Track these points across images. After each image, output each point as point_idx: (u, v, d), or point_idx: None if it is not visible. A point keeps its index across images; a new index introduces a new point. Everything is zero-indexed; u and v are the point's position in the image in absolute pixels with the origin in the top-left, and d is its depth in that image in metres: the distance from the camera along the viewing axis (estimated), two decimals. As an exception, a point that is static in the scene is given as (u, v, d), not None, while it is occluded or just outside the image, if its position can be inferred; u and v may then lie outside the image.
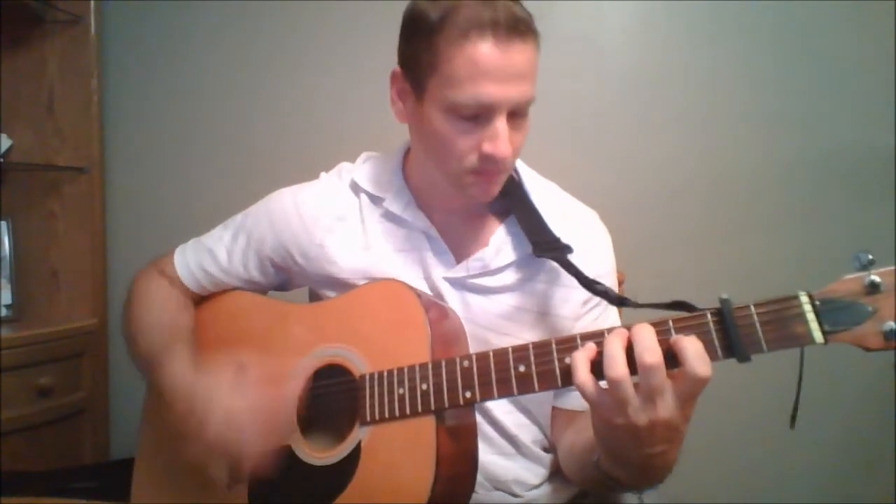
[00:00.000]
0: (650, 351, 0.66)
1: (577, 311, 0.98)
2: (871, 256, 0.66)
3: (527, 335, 0.96)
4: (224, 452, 0.84)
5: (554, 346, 0.75)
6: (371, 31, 1.90)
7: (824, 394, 1.64)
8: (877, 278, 0.65)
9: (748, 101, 1.79)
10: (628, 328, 0.70)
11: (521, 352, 0.77)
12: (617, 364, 0.67)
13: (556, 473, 1.03)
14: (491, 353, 0.79)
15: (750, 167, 1.79)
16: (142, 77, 2.03)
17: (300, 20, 1.96)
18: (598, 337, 0.73)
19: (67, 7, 1.89)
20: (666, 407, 0.68)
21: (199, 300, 1.09)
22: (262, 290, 1.09)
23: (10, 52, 1.92)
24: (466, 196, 0.92)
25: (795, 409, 0.70)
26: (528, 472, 0.99)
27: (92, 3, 1.91)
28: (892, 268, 0.65)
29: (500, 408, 0.96)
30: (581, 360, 0.70)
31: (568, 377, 0.73)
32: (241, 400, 0.84)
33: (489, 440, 0.96)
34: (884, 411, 1.72)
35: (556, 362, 0.75)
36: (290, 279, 1.08)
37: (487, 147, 0.85)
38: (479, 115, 0.84)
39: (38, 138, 1.93)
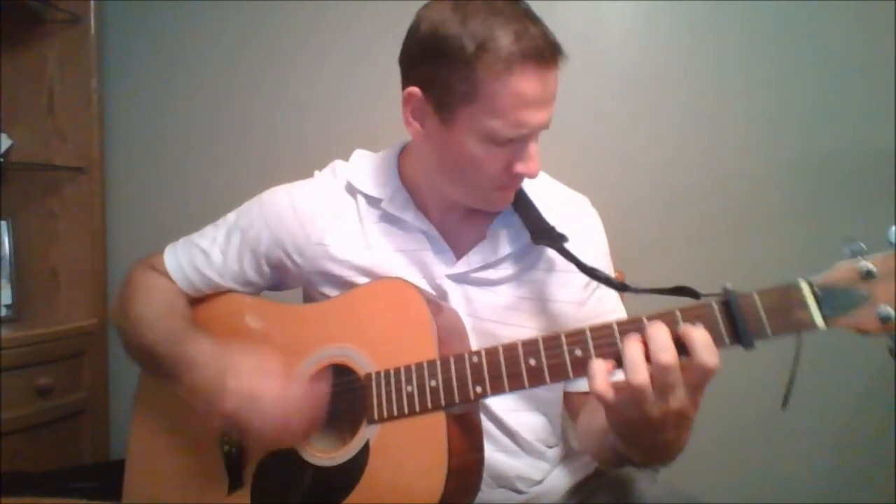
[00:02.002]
0: (666, 351, 0.68)
1: (580, 295, 0.99)
2: (862, 245, 0.70)
3: (531, 324, 0.97)
4: (240, 426, 0.85)
5: (563, 338, 0.76)
6: (367, 32, 1.91)
7: (824, 393, 1.64)
8: (871, 265, 0.68)
9: (748, 102, 1.79)
10: (641, 322, 0.72)
11: (531, 345, 0.78)
12: (640, 371, 0.69)
13: (558, 468, 1.04)
14: (500, 348, 0.79)
15: (750, 168, 1.79)
16: (142, 77, 2.03)
17: (298, 20, 1.96)
18: (606, 329, 0.74)
19: (67, 7, 1.89)
20: (677, 399, 0.69)
21: (191, 303, 1.06)
22: (256, 290, 1.08)
23: (10, 52, 1.92)
24: (488, 208, 0.96)
25: (789, 391, 0.72)
26: (531, 469, 1.00)
27: (92, 3, 1.91)
28: (885, 255, 0.68)
29: (501, 405, 0.97)
30: (599, 369, 0.71)
31: (579, 368, 0.75)
32: (267, 379, 0.86)
33: (492, 437, 0.97)
34: (884, 411, 1.72)
35: (567, 354, 0.76)
36: (284, 279, 1.06)
37: (521, 168, 0.88)
38: (514, 139, 0.86)
39: (38, 138, 1.92)
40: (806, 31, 1.77)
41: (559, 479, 1.02)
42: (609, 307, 1.02)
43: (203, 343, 0.92)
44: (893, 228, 0.67)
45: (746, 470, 1.81)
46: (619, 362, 0.72)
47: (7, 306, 1.87)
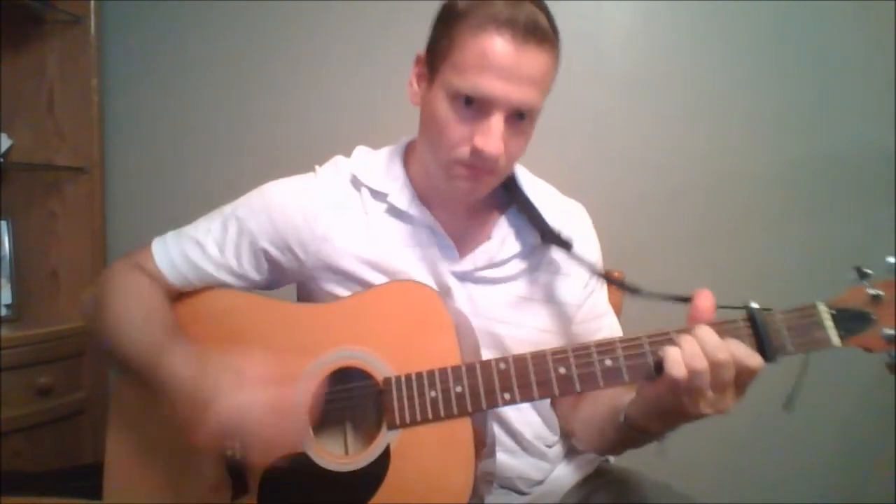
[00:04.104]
0: (721, 349, 0.73)
1: (580, 297, 1.01)
2: (869, 271, 0.77)
3: (534, 324, 0.98)
4: (229, 444, 0.83)
5: (594, 348, 0.79)
6: (366, 31, 1.91)
7: (825, 394, 1.64)
8: (879, 291, 0.76)
9: (749, 102, 1.79)
10: (669, 335, 0.77)
11: (559, 354, 0.80)
12: (700, 358, 0.73)
13: (558, 468, 1.04)
14: (528, 356, 0.81)
15: (751, 168, 1.79)
16: (142, 77, 2.03)
17: (298, 20, 1.96)
18: (635, 340, 0.78)
19: (67, 7, 1.89)
20: (731, 399, 0.75)
21: (178, 298, 1.01)
22: (250, 285, 1.03)
23: (10, 52, 1.91)
24: (450, 189, 0.92)
25: (794, 395, 0.78)
26: (533, 469, 1.00)
27: (92, 3, 1.90)
28: (886, 280, 0.76)
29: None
30: (677, 355, 0.74)
31: (610, 379, 0.78)
32: (251, 392, 0.80)
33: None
34: (884, 411, 1.72)
35: (597, 364, 0.78)
36: (282, 275, 1.03)
37: (478, 141, 0.86)
38: (479, 108, 0.85)
39: (38, 138, 1.92)
40: (806, 31, 1.77)
41: (560, 480, 1.02)
42: (602, 310, 1.05)
43: (179, 357, 0.87)
44: (893, 259, 0.76)
45: (746, 470, 1.81)
46: (647, 374, 0.77)
47: (7, 306, 1.87)
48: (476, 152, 0.86)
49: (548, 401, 1.04)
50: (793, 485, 1.79)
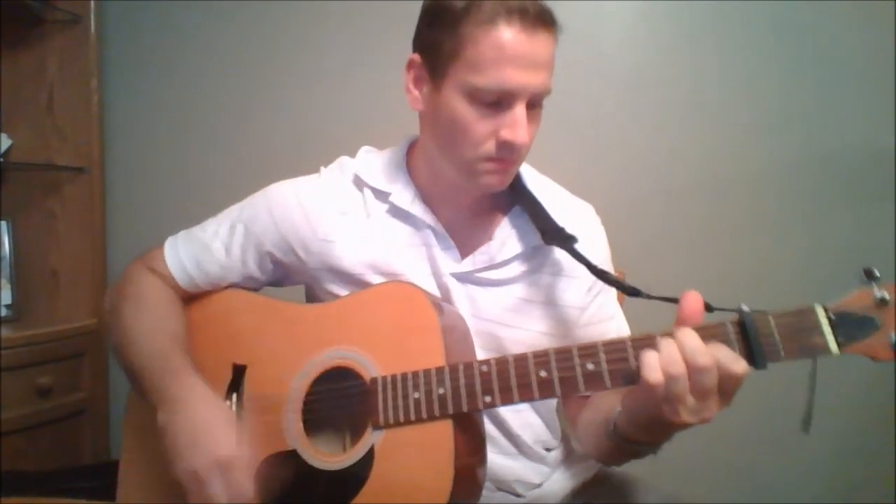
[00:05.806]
0: (702, 353, 0.69)
1: (583, 300, 0.99)
2: (877, 272, 0.70)
3: (534, 327, 0.97)
4: (198, 485, 0.81)
5: (575, 352, 0.76)
6: (366, 30, 1.91)
7: (825, 394, 1.64)
8: (886, 294, 0.69)
9: (748, 102, 1.79)
10: (654, 339, 0.72)
11: (541, 357, 0.78)
12: (677, 363, 0.69)
13: (557, 472, 1.03)
14: (511, 359, 0.79)
15: (751, 168, 1.79)
16: (142, 77, 2.03)
17: (297, 20, 1.96)
18: (619, 344, 0.75)
19: (67, 7, 1.89)
20: (714, 406, 0.71)
21: (189, 299, 1.04)
22: (258, 286, 1.06)
23: (10, 52, 1.92)
24: (478, 185, 0.92)
25: (809, 414, 0.74)
26: (531, 472, 0.99)
27: (92, 3, 1.91)
28: (891, 283, 0.69)
29: (506, 407, 0.96)
30: (653, 360, 0.71)
31: (592, 383, 0.75)
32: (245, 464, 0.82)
33: (492, 440, 0.96)
34: (884, 411, 1.72)
35: (578, 368, 0.76)
36: (287, 275, 1.05)
37: (507, 134, 0.86)
38: (500, 102, 0.85)
39: (38, 138, 1.93)
40: (806, 30, 1.77)
41: (558, 483, 1.02)
42: (609, 313, 1.02)
43: (185, 381, 0.88)
44: None
45: (747, 470, 1.81)
46: (629, 379, 0.73)
47: (7, 306, 1.87)
48: (505, 145, 0.86)
49: (551, 403, 1.03)
50: (793, 485, 1.79)
